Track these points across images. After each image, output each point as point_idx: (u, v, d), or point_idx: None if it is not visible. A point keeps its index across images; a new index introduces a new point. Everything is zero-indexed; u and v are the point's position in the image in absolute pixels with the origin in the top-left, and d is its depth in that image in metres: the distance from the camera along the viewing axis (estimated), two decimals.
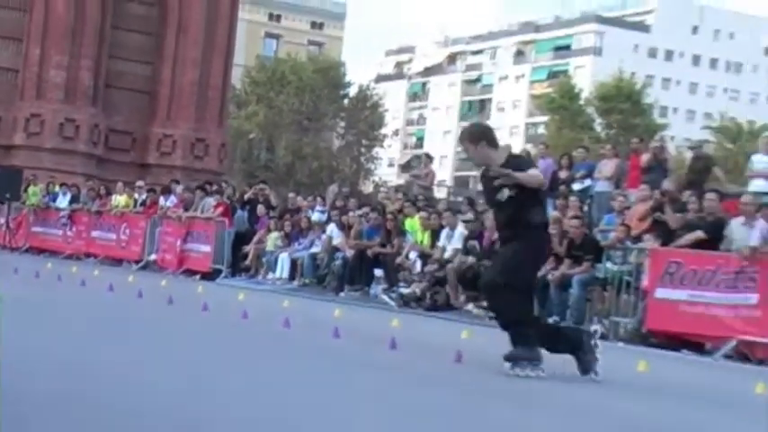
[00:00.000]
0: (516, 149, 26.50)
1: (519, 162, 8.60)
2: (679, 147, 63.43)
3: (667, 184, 17.26)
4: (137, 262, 22.98)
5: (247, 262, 21.68)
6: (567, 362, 8.34)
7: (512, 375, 8.06)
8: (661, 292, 13.62)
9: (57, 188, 27.48)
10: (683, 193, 16.36)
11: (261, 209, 22.43)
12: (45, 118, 32.84)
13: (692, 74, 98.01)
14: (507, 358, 8.26)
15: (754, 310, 12.69)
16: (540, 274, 15.47)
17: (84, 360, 6.97)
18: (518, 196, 8.29)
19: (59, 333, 8.81)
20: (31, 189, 27.75)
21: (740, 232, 13.54)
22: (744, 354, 12.66)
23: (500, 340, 8.58)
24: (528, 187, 8.27)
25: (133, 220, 23.93)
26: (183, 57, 34.89)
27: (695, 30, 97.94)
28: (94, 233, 24.75)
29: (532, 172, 8.41)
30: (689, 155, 21.57)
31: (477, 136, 8.58)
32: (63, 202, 26.49)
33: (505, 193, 8.35)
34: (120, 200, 25.04)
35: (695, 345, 13.31)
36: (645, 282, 14.14)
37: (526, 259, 8.59)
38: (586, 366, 8.46)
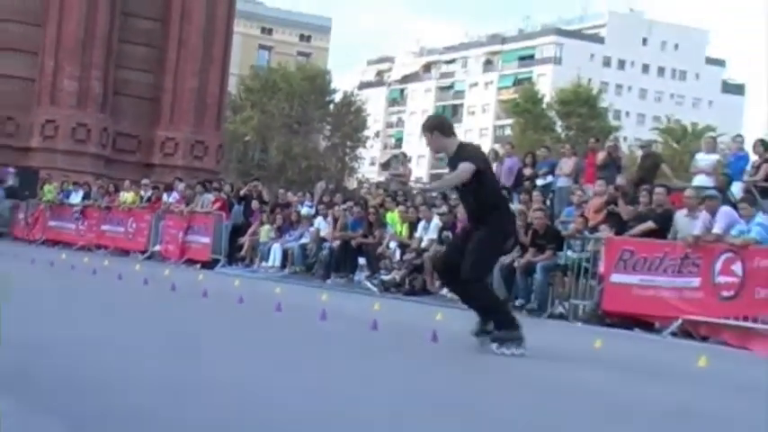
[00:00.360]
0: (485, 149, 26.60)
1: (462, 152, 8.57)
2: (631, 146, 63.67)
3: (620, 180, 17.33)
4: (142, 252, 22.91)
5: (243, 252, 21.65)
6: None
7: (498, 354, 8.06)
8: (616, 277, 13.68)
9: (70, 186, 27.39)
10: (635, 187, 16.44)
11: (255, 204, 22.39)
12: (59, 123, 32.68)
13: (642, 81, 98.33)
14: (494, 339, 8.29)
15: (696, 292, 12.77)
16: (506, 261, 15.59)
17: (92, 339, 6.96)
18: (469, 184, 8.35)
19: (72, 316, 8.79)
20: (46, 187, 27.66)
21: (684, 223, 13.62)
22: (688, 332, 12.74)
23: (470, 321, 8.62)
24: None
25: (139, 214, 23.86)
26: (184, 67, 34.79)
27: (645, 41, 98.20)
28: (104, 227, 24.67)
29: (461, 167, 8.31)
30: (640, 153, 21.65)
31: (432, 126, 8.70)
32: (76, 198, 26.40)
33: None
34: (127, 196, 24.97)
35: (646, 324, 13.38)
36: (601, 268, 14.19)
37: (492, 247, 8.66)
38: (493, 338, 8.28)
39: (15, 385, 4.70)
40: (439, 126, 8.72)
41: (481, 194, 8.41)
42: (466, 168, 8.27)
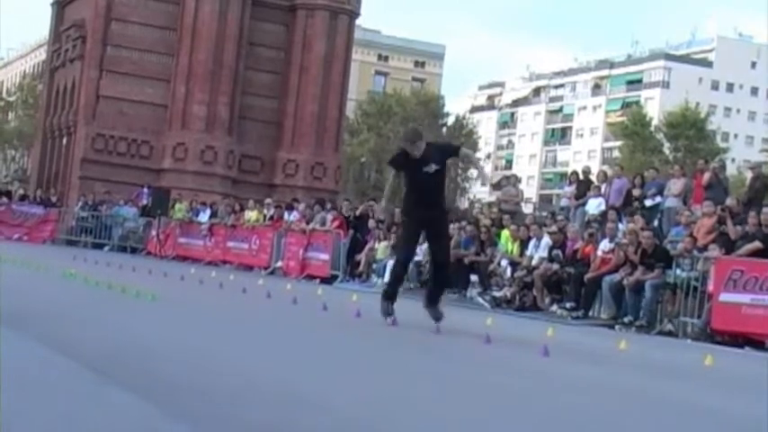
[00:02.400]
0: (594, 170, 26.28)
1: (437, 146, 10.60)
2: (740, 167, 62.09)
3: (729, 201, 16.89)
4: (265, 268, 23.19)
5: (360, 268, 21.73)
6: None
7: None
8: (725, 296, 13.32)
9: (198, 205, 27.92)
10: (744, 208, 16.00)
11: (371, 222, 22.48)
12: (188, 146, 33.48)
13: (751, 103, 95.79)
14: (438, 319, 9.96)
15: None
16: (616, 278, 15.36)
17: (219, 350, 7.05)
18: (442, 171, 9.91)
19: (201, 326, 8.93)
20: (177, 206, 28.23)
21: None
22: None
23: (582, 337, 8.48)
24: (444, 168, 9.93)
25: (262, 232, 24.17)
26: (305, 92, 35.29)
27: (753, 65, 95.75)
28: (230, 243, 25.06)
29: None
30: (749, 175, 21.05)
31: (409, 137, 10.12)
32: (204, 217, 26.87)
33: (432, 167, 9.81)
34: (251, 215, 25.33)
35: (756, 342, 12.99)
36: (710, 287, 13.84)
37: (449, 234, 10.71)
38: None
39: (151, 391, 4.78)
40: (408, 137, 10.15)
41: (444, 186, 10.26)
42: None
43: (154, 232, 27.49)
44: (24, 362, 5.31)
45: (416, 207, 10.19)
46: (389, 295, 10.37)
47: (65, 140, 36.14)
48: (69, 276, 13.41)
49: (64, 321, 7.70)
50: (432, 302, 10.21)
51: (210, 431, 4.00)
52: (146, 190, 30.08)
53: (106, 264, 18.80)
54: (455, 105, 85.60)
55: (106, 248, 28.67)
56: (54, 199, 31.68)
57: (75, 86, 35.45)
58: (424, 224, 10.22)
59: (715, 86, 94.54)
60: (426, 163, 9.85)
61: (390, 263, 20.61)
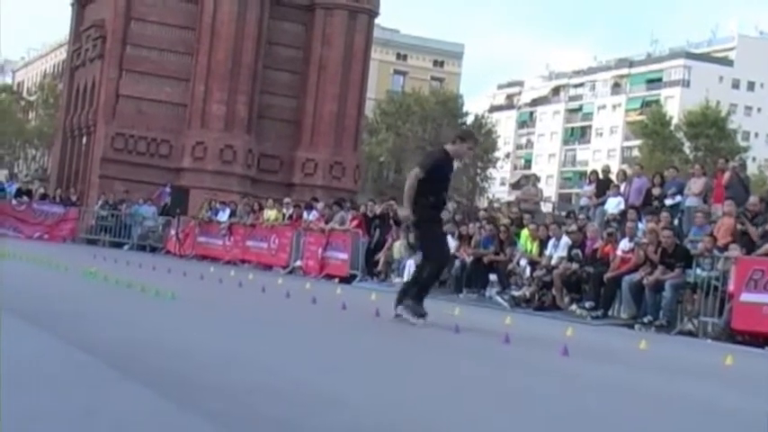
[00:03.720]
0: (614, 170, 26.21)
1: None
2: (761, 166, 61.79)
3: (753, 200, 16.80)
4: (284, 267, 23.24)
5: (379, 268, 21.74)
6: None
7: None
8: (746, 296, 13.27)
9: (218, 204, 27.98)
10: (765, 207, 15.91)
11: (390, 222, 22.47)
12: (208, 145, 33.57)
13: None
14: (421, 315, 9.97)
15: None
16: (636, 278, 15.32)
17: (239, 348, 7.07)
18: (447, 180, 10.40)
19: (221, 325, 8.96)
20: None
21: None
22: None
23: (602, 337, 8.46)
24: None
25: (281, 231, 24.22)
26: (324, 91, 35.33)
27: None
28: (249, 242, 25.13)
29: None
30: None
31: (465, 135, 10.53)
32: (223, 216, 26.95)
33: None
34: (270, 214, 25.38)
35: None
36: (731, 286, 13.78)
37: None
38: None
39: (170, 388, 4.80)
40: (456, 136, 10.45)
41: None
42: (408, 182, 10.05)
43: (173, 231, 27.59)
44: (45, 358, 5.35)
45: (437, 209, 10.20)
46: (421, 296, 10.28)
47: (85, 140, 36.32)
48: (89, 275, 13.47)
49: (84, 319, 7.74)
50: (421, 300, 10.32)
51: (227, 426, 4.01)
52: (168, 189, 30.18)
53: (126, 263, 18.89)
54: (474, 105, 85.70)
55: (126, 247, 28.80)
56: (74, 198, 31.85)
57: (95, 86, 35.62)
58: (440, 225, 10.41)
59: (736, 85, 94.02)
60: (452, 166, 10.06)
61: (410, 263, 20.65)
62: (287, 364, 6.42)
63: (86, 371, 5.13)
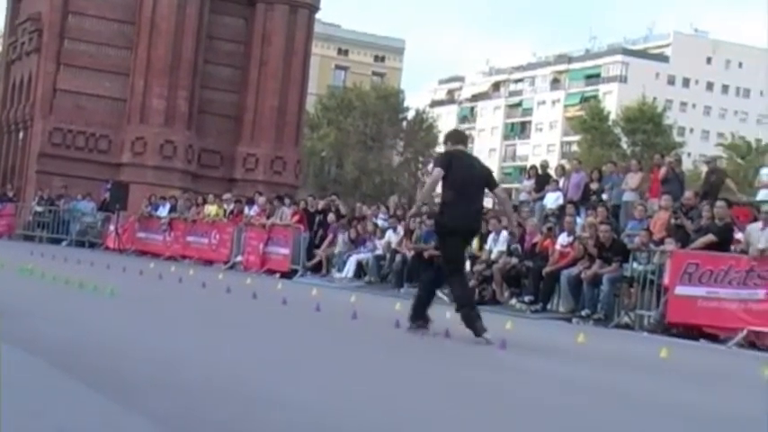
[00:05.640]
0: (552, 164, 26.38)
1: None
2: (695, 162, 62.72)
3: (688, 195, 17.08)
4: (225, 263, 23.12)
5: (315, 260, 21.70)
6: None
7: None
8: (680, 290, 13.49)
9: (158, 200, 27.71)
10: (700, 202, 16.19)
11: (331, 217, 22.49)
12: (148, 140, 33.21)
13: (706, 98, 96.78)
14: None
15: (761, 303, 12.54)
16: (574, 272, 15.52)
17: (178, 344, 7.05)
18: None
19: (161, 322, 8.92)
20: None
21: (757, 237, 13.35)
22: (753, 342, 12.50)
23: (541, 330, 8.57)
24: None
25: (222, 226, 24.10)
26: (265, 87, 35.15)
27: (709, 60, 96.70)
28: (189, 238, 24.96)
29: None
30: (704, 169, 21.31)
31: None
32: (163, 211, 26.73)
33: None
34: (211, 209, 25.22)
35: (710, 335, 13.17)
36: (666, 280, 14.01)
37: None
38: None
39: (112, 387, 4.78)
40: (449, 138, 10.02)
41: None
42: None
43: (112, 227, 27.30)
44: None
45: None
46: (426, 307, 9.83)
47: (21, 134, 35.72)
48: (26, 272, 13.30)
49: (21, 317, 7.65)
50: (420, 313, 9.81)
51: (170, 427, 4.01)
52: (109, 185, 29.76)
53: (64, 259, 18.65)
54: (415, 100, 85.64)
55: (64, 243, 28.42)
56: (11, 194, 31.36)
57: (31, 80, 35.04)
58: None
59: (671, 81, 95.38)
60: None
61: (353, 259, 20.68)
62: (228, 361, 6.42)
63: (26, 370, 5.08)
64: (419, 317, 9.64)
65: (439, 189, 9.93)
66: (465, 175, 9.45)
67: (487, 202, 15.40)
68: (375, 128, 67.43)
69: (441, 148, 75.94)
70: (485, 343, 8.84)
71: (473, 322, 9.11)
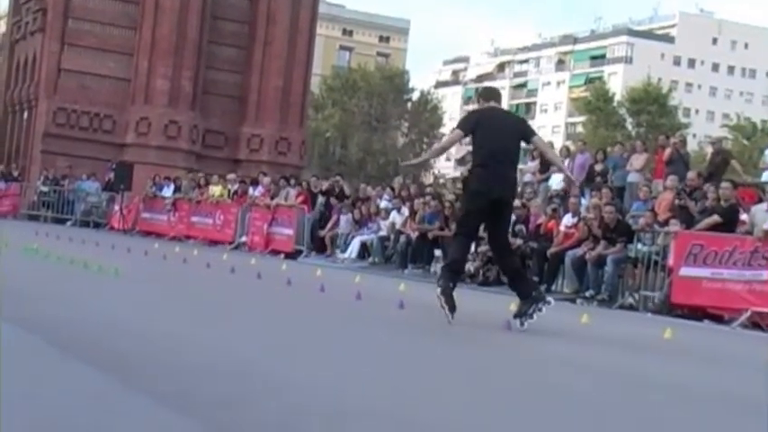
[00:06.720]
0: (557, 146, 26.38)
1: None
2: (701, 143, 62.57)
3: (691, 176, 17.04)
4: (230, 243, 23.14)
5: (324, 242, 21.70)
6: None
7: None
8: (685, 270, 13.46)
9: (162, 180, 27.70)
10: (705, 183, 16.16)
11: (335, 198, 22.47)
12: (152, 120, 33.18)
13: (712, 79, 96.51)
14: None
15: (766, 284, 12.52)
16: (578, 253, 15.50)
17: (183, 325, 7.04)
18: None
19: (164, 301, 8.91)
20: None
21: (762, 217, 13.31)
22: (757, 323, 12.49)
23: (545, 311, 8.56)
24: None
25: (226, 207, 24.10)
26: (269, 67, 35.06)
27: (714, 41, 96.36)
28: (194, 218, 24.97)
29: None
30: (709, 150, 21.25)
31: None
32: (167, 192, 26.74)
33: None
34: (215, 190, 25.22)
35: (715, 316, 13.15)
36: (671, 261, 13.98)
37: (463, 201, 10.08)
38: (519, 312, 8.76)
39: (114, 367, 4.77)
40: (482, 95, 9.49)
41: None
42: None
43: (117, 207, 27.31)
44: None
45: None
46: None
47: (26, 114, 35.69)
48: (31, 252, 13.30)
49: (25, 297, 7.64)
50: (521, 296, 8.95)
51: (171, 406, 3.99)
52: (113, 166, 29.75)
53: (68, 239, 18.66)
54: (420, 80, 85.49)
55: (68, 223, 28.45)
56: (16, 174, 31.37)
57: (36, 60, 34.98)
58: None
59: (677, 62, 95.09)
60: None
61: (357, 240, 20.69)
62: (231, 341, 6.40)
63: (28, 349, 5.08)
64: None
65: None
66: (494, 136, 8.73)
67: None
68: (380, 109, 67.31)
69: (445, 129, 76.08)
70: (441, 315, 8.52)
71: (445, 291, 8.64)
